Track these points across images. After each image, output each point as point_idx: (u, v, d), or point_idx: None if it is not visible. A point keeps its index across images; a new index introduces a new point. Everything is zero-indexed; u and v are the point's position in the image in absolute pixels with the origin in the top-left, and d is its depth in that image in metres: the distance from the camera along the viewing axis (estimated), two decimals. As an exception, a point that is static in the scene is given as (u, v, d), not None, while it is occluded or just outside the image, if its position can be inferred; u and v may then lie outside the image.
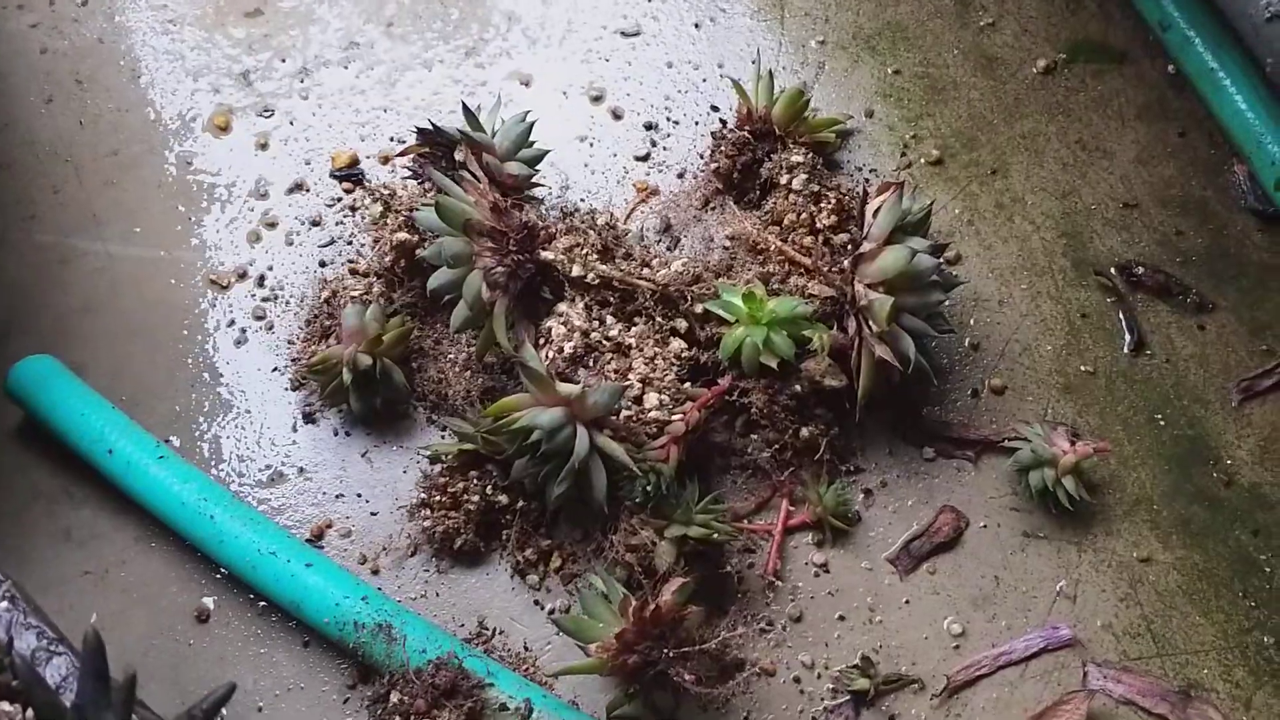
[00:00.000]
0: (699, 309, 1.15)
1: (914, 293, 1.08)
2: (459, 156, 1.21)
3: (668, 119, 1.38)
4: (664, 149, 1.36)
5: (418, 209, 1.22)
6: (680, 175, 1.35)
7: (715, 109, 1.38)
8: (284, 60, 1.46)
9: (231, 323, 1.32)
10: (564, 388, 1.06)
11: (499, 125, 1.27)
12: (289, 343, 1.30)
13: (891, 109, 1.36)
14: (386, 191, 1.27)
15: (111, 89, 1.48)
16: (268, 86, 1.44)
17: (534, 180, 1.26)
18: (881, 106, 1.36)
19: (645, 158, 1.36)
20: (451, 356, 1.25)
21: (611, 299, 1.15)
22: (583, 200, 1.34)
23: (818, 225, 1.19)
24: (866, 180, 1.30)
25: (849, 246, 1.17)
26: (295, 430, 1.25)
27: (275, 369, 1.29)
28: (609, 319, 1.15)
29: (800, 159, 1.23)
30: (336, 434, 1.24)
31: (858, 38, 1.41)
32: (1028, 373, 1.22)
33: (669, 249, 1.30)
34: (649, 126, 1.38)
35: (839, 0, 1.43)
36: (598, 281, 1.14)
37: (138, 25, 1.52)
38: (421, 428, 1.24)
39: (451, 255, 1.11)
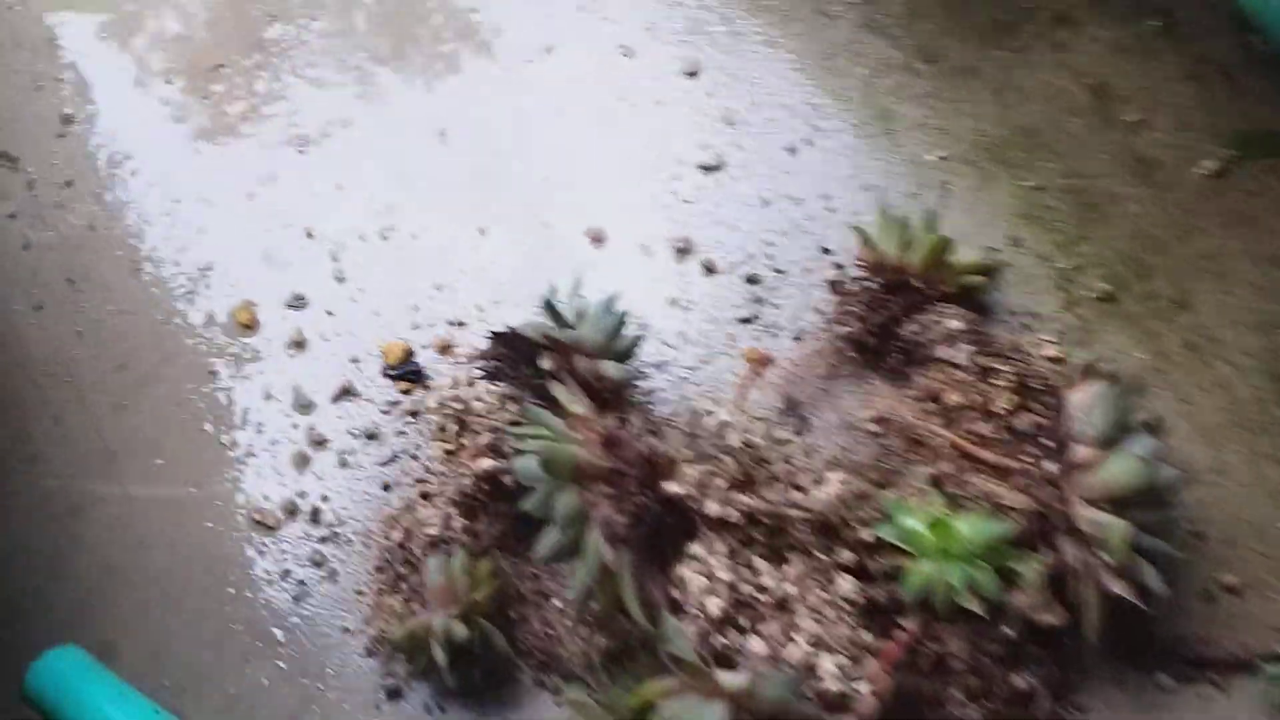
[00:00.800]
0: (867, 535, 0.93)
1: (1150, 508, 0.86)
2: (544, 364, 0.99)
3: (772, 269, 1.16)
4: (772, 306, 1.15)
5: (504, 433, 1.00)
6: (797, 338, 1.13)
7: (828, 251, 1.16)
8: (311, 236, 1.25)
9: (286, 574, 1.10)
10: (725, 678, 0.84)
11: (583, 311, 1.06)
12: (358, 593, 1.08)
13: (1040, 234, 1.14)
14: (459, 405, 1.05)
15: (110, 287, 1.27)
16: (295, 270, 1.23)
17: (634, 379, 1.04)
18: (1028, 231, 1.15)
19: (751, 319, 1.14)
20: (556, 603, 1.03)
21: (758, 535, 0.94)
22: (686, 376, 1.12)
23: (994, 408, 0.97)
24: (1056, 361, 1.08)
25: (1039, 435, 0.95)
26: (379, 709, 1.03)
27: (345, 629, 1.07)
28: (757, 561, 0.93)
29: (958, 324, 1.01)
30: (430, 711, 1.02)
31: (984, 148, 1.19)
32: (1266, 561, 1.00)
33: (796, 432, 1.09)
34: (751, 280, 1.16)
35: (955, 105, 1.21)
36: (741, 521, 0.92)
37: (133, 202, 1.31)
38: (529, 692, 1.02)
39: (565, 517, 0.89)
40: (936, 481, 0.97)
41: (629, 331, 1.05)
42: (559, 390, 0.97)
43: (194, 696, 1.06)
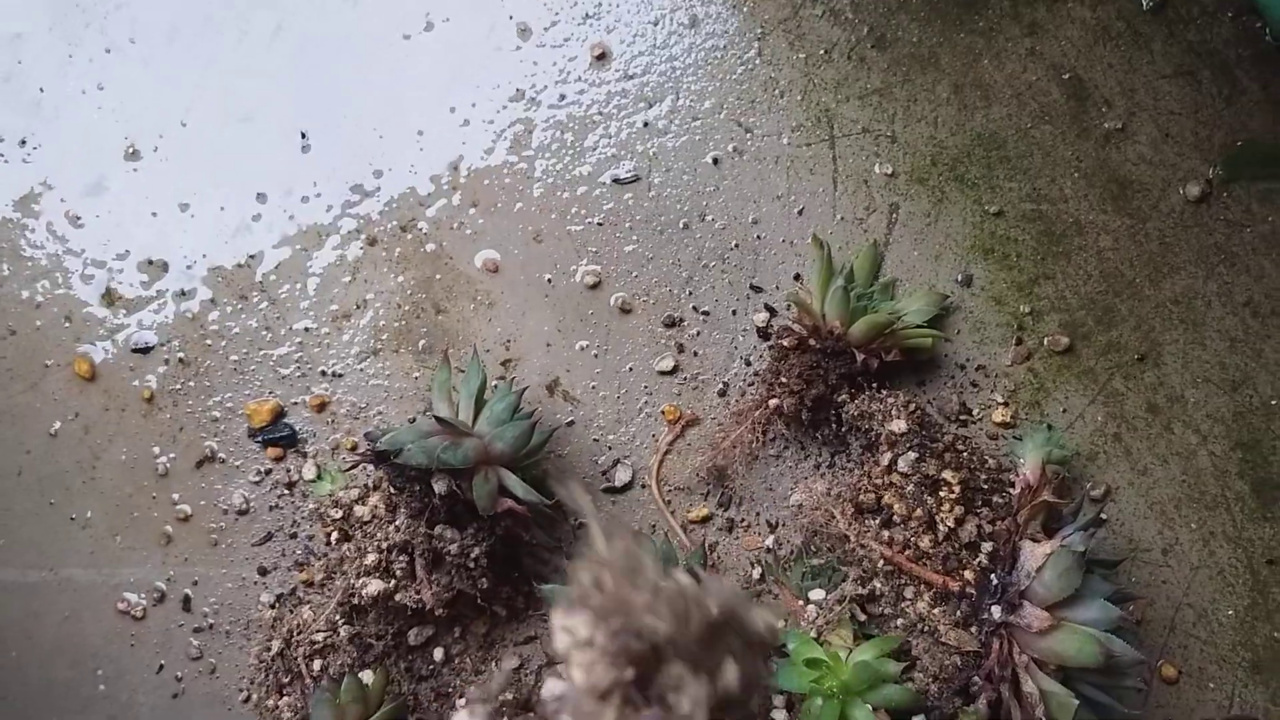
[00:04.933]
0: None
1: (1104, 678, 0.78)
2: (438, 487, 0.86)
3: (694, 309, 1.02)
4: (694, 354, 1.01)
5: (393, 551, 0.88)
6: (722, 393, 1.01)
7: (757, 289, 1.02)
8: (166, 269, 1.05)
9: (160, 668, 1.00)
10: None
11: (478, 402, 0.91)
12: (241, 693, 0.99)
13: (997, 271, 1.01)
14: (337, 514, 0.92)
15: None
16: (141, 311, 1.05)
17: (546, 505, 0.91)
18: (984, 268, 1.01)
19: (673, 370, 1.01)
20: (460, 702, 0.96)
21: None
22: (599, 439, 1.00)
23: (939, 521, 0.87)
24: (1006, 425, 0.97)
25: (991, 566, 0.85)
26: (272, 818, 0.97)
27: (229, 729, 0.99)
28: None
29: (902, 425, 0.89)
30: (328, 817, 0.96)
31: (939, 163, 1.02)
32: (1205, 649, 0.95)
33: (721, 507, 0.99)
34: (670, 324, 1.02)
35: (908, 107, 1.03)
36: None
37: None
38: (436, 800, 0.96)
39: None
40: (858, 600, 0.89)
41: (538, 430, 0.91)
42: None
43: (69, 809, 0.98)
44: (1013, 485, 0.89)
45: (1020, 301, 1.00)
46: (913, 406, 0.91)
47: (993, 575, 0.83)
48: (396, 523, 0.89)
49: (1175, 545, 0.96)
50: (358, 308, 1.03)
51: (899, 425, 0.89)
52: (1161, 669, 0.94)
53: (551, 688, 0.45)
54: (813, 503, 0.93)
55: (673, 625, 0.43)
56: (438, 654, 0.96)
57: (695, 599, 0.45)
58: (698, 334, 1.01)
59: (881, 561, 0.89)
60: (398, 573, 0.89)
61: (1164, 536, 0.96)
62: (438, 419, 0.87)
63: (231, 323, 1.03)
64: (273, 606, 0.99)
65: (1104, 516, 0.95)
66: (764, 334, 1.01)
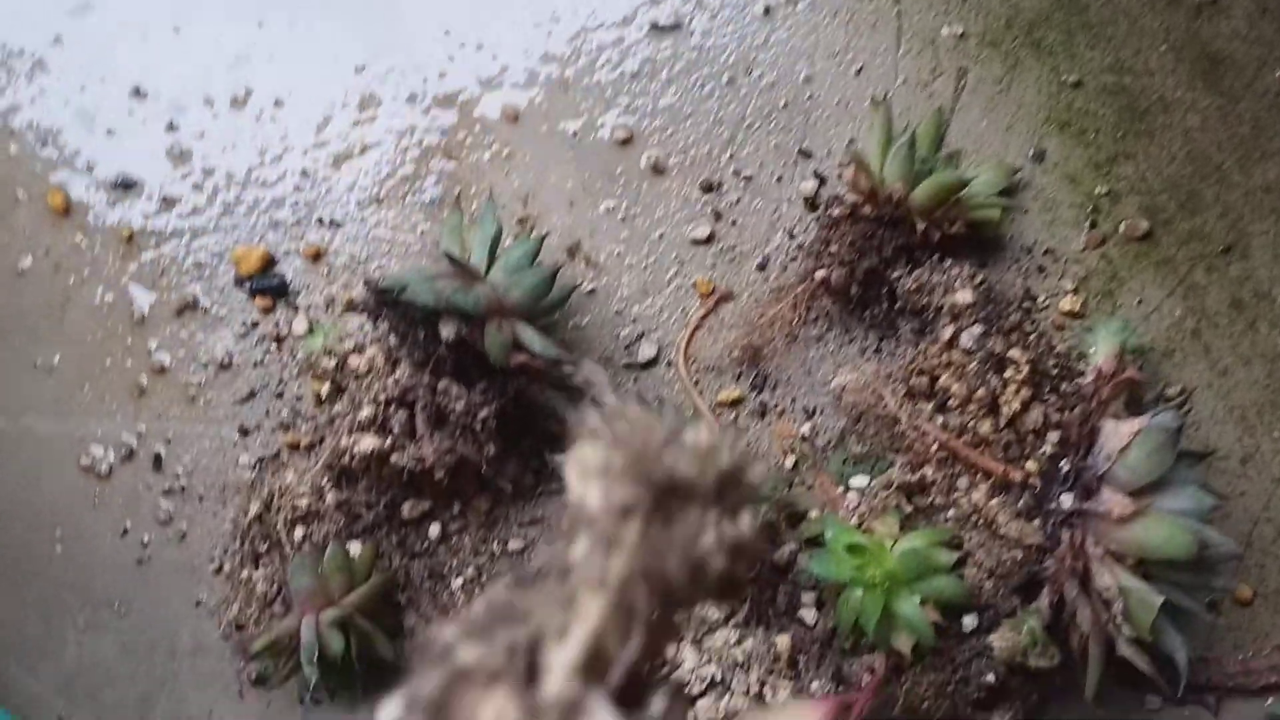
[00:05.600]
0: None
1: (1190, 576, 0.69)
2: (445, 331, 0.76)
3: (735, 173, 0.92)
4: (733, 224, 0.91)
5: (391, 404, 0.79)
6: (762, 267, 0.91)
7: (807, 154, 0.92)
8: (140, 95, 0.95)
9: (125, 532, 0.90)
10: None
11: (492, 250, 0.82)
12: (212, 562, 0.90)
13: (1073, 147, 0.91)
14: (330, 362, 0.83)
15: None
16: (121, 142, 0.95)
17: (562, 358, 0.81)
18: (1056, 142, 0.91)
19: (708, 239, 0.91)
20: (456, 582, 0.86)
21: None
22: (623, 311, 0.90)
23: (1002, 405, 0.78)
24: (1074, 315, 0.87)
25: (1062, 453, 0.76)
26: (242, 697, 0.88)
27: (199, 602, 0.89)
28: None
29: (968, 297, 0.79)
30: (302, 700, 0.87)
31: (1014, 25, 0.92)
32: (1283, 571, 0.86)
33: (754, 390, 0.89)
34: (708, 188, 0.92)
35: (984, -39, 0.93)
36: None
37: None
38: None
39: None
40: (914, 491, 0.79)
41: (559, 281, 0.82)
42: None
43: (25, 670, 0.89)
44: (1083, 374, 0.80)
45: (1096, 181, 0.91)
46: (979, 278, 0.81)
47: (1063, 461, 0.74)
48: (396, 375, 0.79)
49: (1255, 454, 0.87)
50: (362, 150, 0.93)
51: (965, 296, 0.79)
52: (1235, 590, 0.85)
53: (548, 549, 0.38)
54: (860, 383, 0.84)
55: (691, 465, 0.36)
56: (433, 530, 0.87)
57: (712, 445, 0.38)
58: (738, 201, 0.92)
59: (935, 447, 0.80)
60: (395, 429, 0.80)
61: (1243, 444, 0.87)
62: (448, 257, 0.77)
63: (222, 160, 0.93)
64: (253, 469, 0.89)
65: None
66: (811, 204, 0.91)
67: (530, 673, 0.33)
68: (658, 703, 0.33)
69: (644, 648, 0.34)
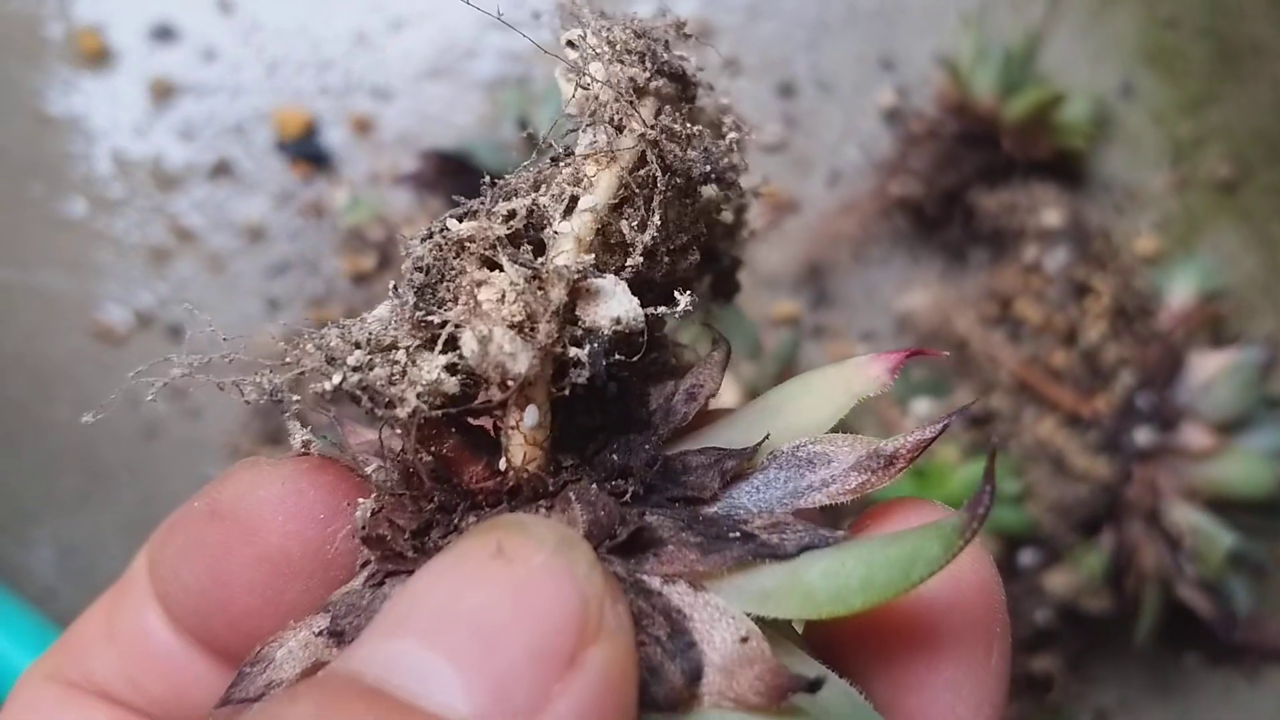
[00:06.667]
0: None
1: (1261, 518, 0.67)
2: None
3: (813, 79, 0.88)
4: (806, 133, 0.87)
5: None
6: (831, 180, 0.87)
7: (888, 65, 0.88)
8: (184, -64, 0.89)
9: (135, 404, 0.85)
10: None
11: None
12: (227, 444, 0.85)
13: (1162, 84, 0.88)
14: (379, 234, 0.78)
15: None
16: (160, -14, 0.88)
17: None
18: (1148, 78, 0.88)
19: (776, 146, 0.87)
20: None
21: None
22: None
23: (1079, 334, 0.75)
24: (1150, 260, 0.84)
25: (1138, 388, 0.73)
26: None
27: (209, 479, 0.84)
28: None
29: (1056, 220, 0.76)
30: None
31: (1113, -47, 0.89)
32: (1335, 536, 0.84)
33: (811, 307, 0.86)
34: (784, 91, 0.88)
35: (1088, -117, 0.89)
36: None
37: None
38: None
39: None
40: (970, 417, 0.76)
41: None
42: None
43: (17, 540, 0.84)
44: (1156, 314, 0.77)
45: (1182, 122, 0.87)
46: (1067, 200, 0.78)
47: (1140, 395, 0.71)
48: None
49: (1317, 416, 0.85)
50: (423, 16, 0.88)
51: (1052, 218, 0.76)
52: (1284, 550, 0.84)
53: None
54: (930, 304, 0.80)
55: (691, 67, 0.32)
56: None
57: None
58: (811, 108, 0.88)
59: (1005, 374, 0.76)
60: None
61: (1306, 404, 0.85)
62: (521, 125, 0.73)
63: (270, 13, 0.88)
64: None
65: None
66: (890, 117, 0.87)
67: (536, 249, 0.29)
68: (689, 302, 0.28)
69: (665, 244, 0.30)
